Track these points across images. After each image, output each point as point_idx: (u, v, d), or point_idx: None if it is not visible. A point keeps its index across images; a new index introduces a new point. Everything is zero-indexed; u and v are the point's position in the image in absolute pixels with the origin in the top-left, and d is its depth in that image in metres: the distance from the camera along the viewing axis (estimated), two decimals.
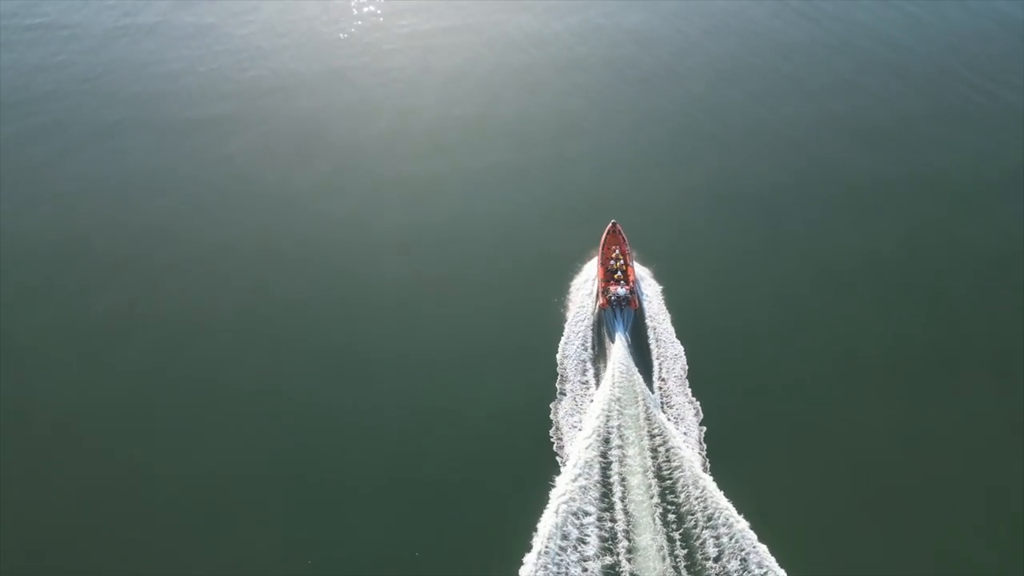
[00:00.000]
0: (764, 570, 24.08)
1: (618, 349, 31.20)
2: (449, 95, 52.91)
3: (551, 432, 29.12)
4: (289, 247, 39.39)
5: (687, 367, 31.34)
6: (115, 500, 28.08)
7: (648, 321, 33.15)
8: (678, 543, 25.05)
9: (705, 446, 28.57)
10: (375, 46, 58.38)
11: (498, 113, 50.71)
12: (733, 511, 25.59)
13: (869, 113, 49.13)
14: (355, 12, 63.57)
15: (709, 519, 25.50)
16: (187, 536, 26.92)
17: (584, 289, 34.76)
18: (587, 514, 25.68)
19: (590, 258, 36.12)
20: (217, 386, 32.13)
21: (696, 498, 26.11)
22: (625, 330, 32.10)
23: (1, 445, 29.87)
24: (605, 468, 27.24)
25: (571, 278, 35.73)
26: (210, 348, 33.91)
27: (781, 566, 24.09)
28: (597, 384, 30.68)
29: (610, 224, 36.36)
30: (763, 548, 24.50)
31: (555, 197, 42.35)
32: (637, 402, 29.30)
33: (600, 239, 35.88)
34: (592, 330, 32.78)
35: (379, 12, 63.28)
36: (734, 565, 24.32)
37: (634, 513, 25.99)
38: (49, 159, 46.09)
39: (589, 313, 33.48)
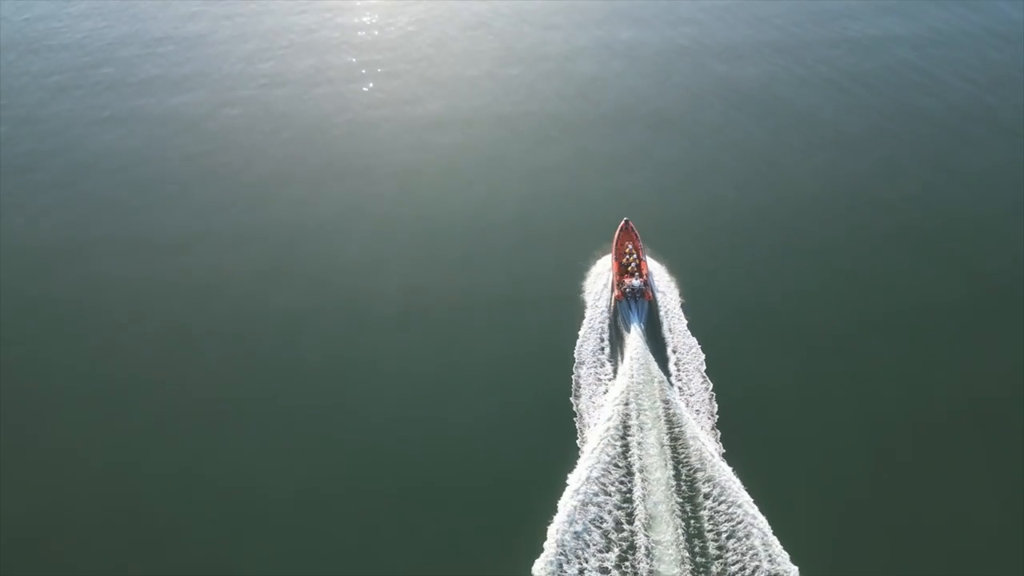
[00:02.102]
0: (775, 563, 24.48)
1: (634, 338, 32.04)
2: (467, 96, 55.21)
3: (574, 418, 29.88)
4: (302, 243, 40.92)
5: (701, 354, 32.14)
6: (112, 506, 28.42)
7: (662, 311, 34.04)
8: (692, 528, 25.54)
9: (719, 432, 29.20)
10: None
11: (514, 116, 52.48)
12: (746, 495, 26.18)
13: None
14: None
15: (723, 503, 26.07)
16: (208, 546, 26.93)
17: (599, 283, 35.74)
18: (606, 497, 26.27)
19: (604, 254, 37.17)
20: (233, 393, 32.63)
21: (709, 479, 26.75)
22: (640, 321, 32.92)
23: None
24: (624, 451, 27.91)
25: (586, 274, 36.71)
26: (221, 352, 34.73)
27: (788, 552, 24.65)
28: (615, 372, 31.42)
29: (623, 222, 37.48)
30: (775, 540, 25.02)
31: (569, 196, 43.66)
32: (654, 388, 30.07)
33: (613, 236, 36.93)
34: (608, 321, 33.66)
35: None
36: (744, 552, 24.74)
37: (651, 496, 26.49)
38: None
39: (605, 305, 34.38)
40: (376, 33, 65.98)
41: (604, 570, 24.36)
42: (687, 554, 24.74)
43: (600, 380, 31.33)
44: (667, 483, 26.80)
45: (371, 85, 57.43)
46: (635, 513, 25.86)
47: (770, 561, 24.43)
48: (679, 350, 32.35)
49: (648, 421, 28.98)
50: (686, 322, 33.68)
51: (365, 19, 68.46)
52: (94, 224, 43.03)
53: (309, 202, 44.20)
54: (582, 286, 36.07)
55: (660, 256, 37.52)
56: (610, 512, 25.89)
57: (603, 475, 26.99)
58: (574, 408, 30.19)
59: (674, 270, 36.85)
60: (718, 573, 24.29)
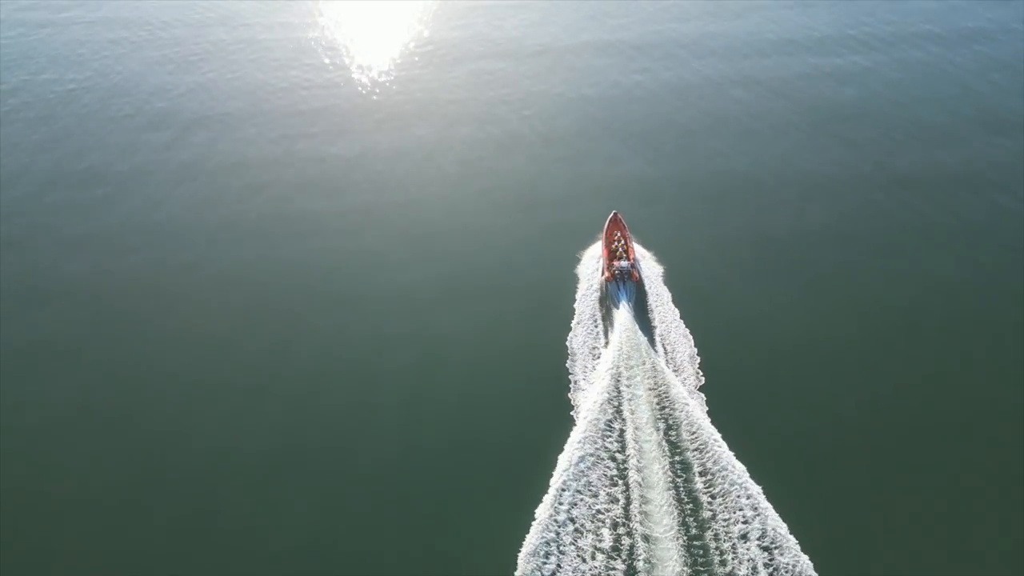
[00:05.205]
0: (755, 505, 26.90)
1: (622, 313, 35.26)
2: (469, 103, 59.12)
3: (569, 387, 32.85)
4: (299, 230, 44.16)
5: (684, 327, 35.43)
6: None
7: (648, 291, 37.31)
8: (680, 478, 27.98)
9: (703, 393, 32.32)
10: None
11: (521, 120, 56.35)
12: (729, 452, 28.82)
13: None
14: None
15: (708, 456, 28.66)
16: (192, 536, 28.12)
17: (590, 267, 39.22)
18: (600, 458, 28.74)
19: (594, 243, 40.67)
20: (211, 355, 35.31)
21: (694, 435, 29.41)
22: (628, 299, 36.14)
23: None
24: (616, 414, 30.64)
25: (579, 259, 40.43)
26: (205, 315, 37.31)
27: (769, 501, 27.07)
28: (606, 344, 34.41)
29: (612, 214, 40.98)
30: (756, 488, 27.42)
31: (565, 194, 47.45)
32: (642, 357, 32.97)
33: (603, 227, 40.44)
34: (599, 301, 36.95)
35: None
36: (730, 506, 27.05)
37: (643, 453, 29.03)
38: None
39: (596, 287, 37.72)
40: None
41: (599, 517, 26.81)
42: (675, 501, 27.19)
43: (593, 353, 34.37)
44: (656, 439, 29.45)
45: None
46: (627, 469, 28.25)
47: (748, 497, 27.28)
48: (664, 323, 35.57)
49: (637, 386, 31.76)
50: (670, 297, 37.20)
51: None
52: None
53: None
54: (576, 271, 39.64)
55: (646, 244, 40.99)
56: (604, 470, 28.34)
57: (597, 437, 29.59)
58: (569, 377, 33.17)
59: (661, 257, 40.43)
60: (707, 518, 26.77)
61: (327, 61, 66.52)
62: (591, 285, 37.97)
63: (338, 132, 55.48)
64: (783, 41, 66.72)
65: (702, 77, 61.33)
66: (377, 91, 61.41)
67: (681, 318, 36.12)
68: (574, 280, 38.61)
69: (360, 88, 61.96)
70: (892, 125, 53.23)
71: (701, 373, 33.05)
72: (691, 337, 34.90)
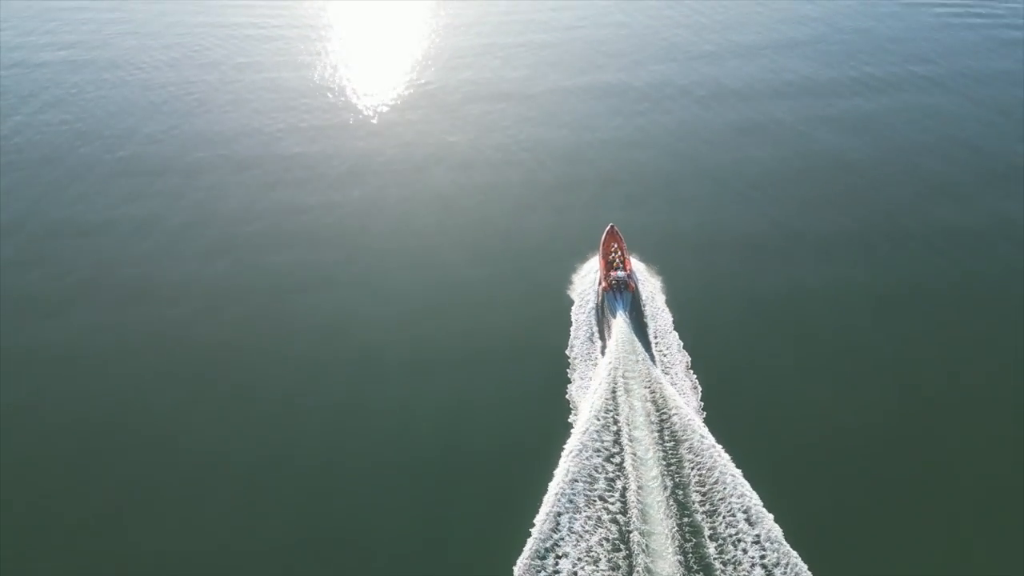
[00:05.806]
0: (747, 502, 26.67)
1: (619, 321, 35.46)
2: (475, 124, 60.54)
3: (566, 393, 32.83)
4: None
5: (678, 334, 35.61)
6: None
7: (644, 300, 37.65)
8: (675, 480, 27.81)
9: (698, 396, 32.38)
10: None
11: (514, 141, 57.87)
12: (724, 453, 28.69)
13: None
14: None
15: (702, 459, 28.41)
16: (193, 524, 28.46)
17: (588, 278, 39.56)
18: (597, 460, 28.52)
19: (591, 256, 40.99)
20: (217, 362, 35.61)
21: (689, 439, 29.26)
22: (625, 308, 36.05)
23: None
24: (612, 419, 30.49)
25: (576, 271, 40.76)
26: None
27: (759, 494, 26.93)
28: (603, 352, 34.51)
29: (609, 227, 41.14)
30: (749, 486, 27.29)
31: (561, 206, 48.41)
32: (637, 364, 33.11)
33: (600, 240, 40.55)
34: (597, 309, 37.20)
35: None
36: (721, 499, 26.90)
37: (639, 456, 28.84)
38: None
39: (593, 297, 37.99)
40: None
41: (596, 515, 26.58)
42: (672, 500, 27.05)
43: (590, 360, 34.39)
44: (652, 442, 29.32)
45: None
46: (625, 471, 28.05)
47: (739, 496, 26.86)
48: (659, 332, 35.84)
49: (633, 392, 31.80)
50: (665, 307, 37.45)
51: None
52: None
53: None
54: (573, 281, 39.93)
55: (642, 256, 41.26)
56: (601, 471, 28.12)
57: (594, 440, 29.37)
58: (568, 385, 33.13)
59: (656, 267, 40.70)
60: (701, 520, 26.34)
61: (331, 101, 67.11)
62: (580, 324, 36.91)
63: (343, 174, 54.28)
64: (785, 84, 67.13)
65: (704, 120, 61.57)
66: (377, 133, 61.29)
67: (675, 324, 36.21)
68: (567, 324, 37.04)
69: (360, 130, 61.66)
70: (899, 172, 51.95)
71: (694, 378, 33.18)
72: (684, 344, 34.94)
